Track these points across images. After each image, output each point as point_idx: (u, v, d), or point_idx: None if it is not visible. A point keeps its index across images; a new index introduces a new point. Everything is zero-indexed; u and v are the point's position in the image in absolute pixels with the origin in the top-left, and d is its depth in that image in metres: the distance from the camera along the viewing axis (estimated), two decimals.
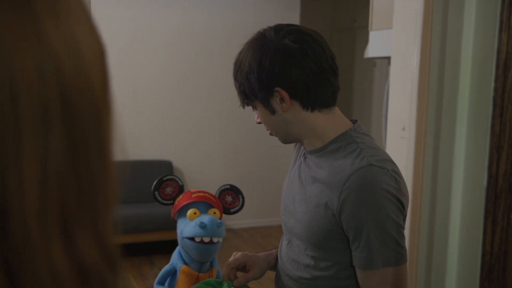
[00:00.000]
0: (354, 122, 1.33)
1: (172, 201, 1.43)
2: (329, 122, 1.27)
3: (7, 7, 0.34)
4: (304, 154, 1.37)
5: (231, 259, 1.40)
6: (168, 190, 1.42)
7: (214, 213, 1.39)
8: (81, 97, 0.37)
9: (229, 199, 1.48)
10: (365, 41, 3.70)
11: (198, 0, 5.26)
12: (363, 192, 1.16)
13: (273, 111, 1.26)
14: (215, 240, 1.35)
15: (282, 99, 1.23)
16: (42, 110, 0.35)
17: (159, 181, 1.42)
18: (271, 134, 1.35)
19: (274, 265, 1.47)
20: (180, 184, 1.44)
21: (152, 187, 1.40)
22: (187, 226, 1.37)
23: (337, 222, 1.20)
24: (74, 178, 0.37)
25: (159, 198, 1.42)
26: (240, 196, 1.50)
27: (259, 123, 1.33)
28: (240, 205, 1.50)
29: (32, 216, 0.35)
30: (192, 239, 1.36)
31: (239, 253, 1.43)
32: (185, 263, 1.39)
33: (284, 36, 1.22)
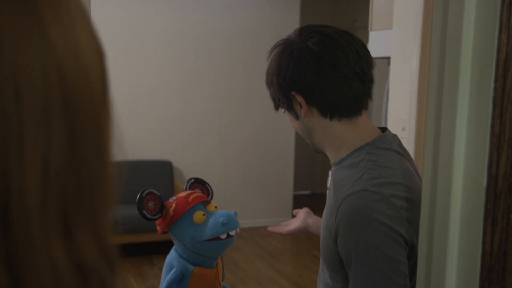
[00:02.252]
0: (383, 130, 1.23)
1: (159, 215, 1.41)
2: (347, 134, 1.19)
3: (12, 6, 0.35)
4: None
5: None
6: (151, 204, 1.38)
7: (216, 207, 1.40)
8: (81, 97, 0.38)
9: (198, 191, 1.49)
10: (365, 41, 3.70)
11: (198, 1, 5.26)
12: (351, 220, 1.07)
13: (296, 116, 1.21)
14: (232, 233, 1.37)
15: (300, 104, 1.18)
16: (45, 109, 0.35)
17: (140, 198, 1.36)
18: (307, 141, 1.28)
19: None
20: (158, 194, 1.41)
21: (137, 207, 1.35)
22: (201, 229, 1.36)
23: (336, 246, 1.12)
24: (74, 177, 0.38)
25: (149, 216, 1.39)
26: (207, 185, 1.51)
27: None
28: (211, 193, 1.51)
29: (34, 212, 0.35)
30: (213, 239, 1.36)
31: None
32: (195, 265, 1.38)
33: (307, 38, 1.16)
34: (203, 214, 1.36)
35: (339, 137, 1.19)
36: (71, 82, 0.37)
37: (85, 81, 0.38)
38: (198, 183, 1.51)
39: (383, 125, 3.15)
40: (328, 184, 1.37)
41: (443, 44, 0.82)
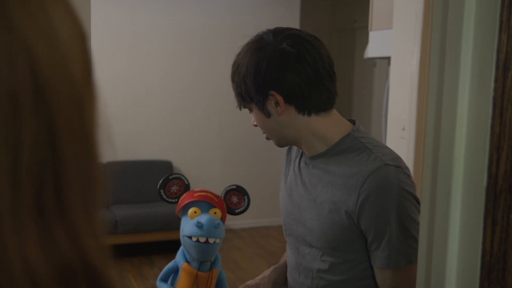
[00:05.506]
0: (352, 122, 1.31)
1: (176, 200, 1.45)
2: (328, 125, 1.26)
3: None
4: (301, 158, 1.34)
5: None
6: (174, 188, 1.44)
7: (215, 213, 1.39)
8: (57, 83, 0.35)
9: (235, 199, 1.47)
10: (365, 41, 3.70)
11: (198, 1, 5.26)
12: (383, 193, 1.15)
13: (268, 115, 1.24)
14: (211, 240, 1.34)
15: (277, 103, 1.21)
16: (12, 100, 0.32)
17: (165, 179, 1.45)
18: (267, 138, 1.33)
19: (283, 280, 1.45)
20: (186, 183, 1.46)
21: (158, 185, 1.44)
22: (187, 225, 1.38)
23: (355, 225, 1.19)
24: (53, 173, 0.34)
25: (164, 196, 1.44)
26: (245, 197, 1.49)
27: (255, 125, 1.31)
28: (245, 206, 1.48)
29: (4, 213, 0.32)
30: (190, 237, 1.36)
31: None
32: (186, 261, 1.39)
33: (282, 40, 1.20)
34: (195, 212, 1.37)
35: (321, 129, 1.25)
36: (43, 67, 0.34)
37: (61, 66, 0.35)
38: (237, 191, 1.48)
39: (383, 125, 3.15)
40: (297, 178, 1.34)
41: (443, 44, 0.82)
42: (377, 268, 1.20)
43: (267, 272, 1.45)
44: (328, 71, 1.23)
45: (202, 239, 1.33)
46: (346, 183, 1.19)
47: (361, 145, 1.22)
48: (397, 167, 1.17)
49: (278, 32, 1.23)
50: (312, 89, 1.21)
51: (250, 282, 1.43)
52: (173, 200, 1.44)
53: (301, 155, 1.35)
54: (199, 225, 1.33)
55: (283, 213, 1.39)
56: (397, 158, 1.21)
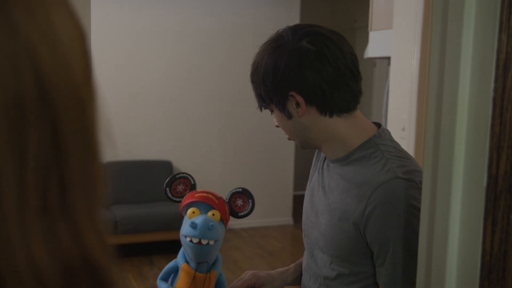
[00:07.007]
0: (378, 125, 1.25)
1: (181, 199, 1.46)
2: (350, 128, 1.19)
3: None
4: (325, 161, 1.29)
5: (239, 283, 1.38)
6: (180, 187, 1.45)
7: (213, 214, 1.39)
8: (61, 86, 0.35)
9: (240, 202, 1.47)
10: (365, 41, 3.70)
11: (198, 1, 5.26)
12: (389, 207, 1.10)
13: (289, 116, 1.18)
14: (203, 241, 1.34)
15: (297, 104, 1.16)
16: (18, 103, 0.33)
17: (172, 177, 1.45)
18: (289, 139, 1.28)
19: (291, 281, 1.43)
20: (192, 182, 1.46)
21: (165, 184, 1.45)
22: (184, 225, 1.38)
23: (362, 236, 1.14)
24: (56, 172, 0.35)
25: (169, 194, 1.45)
26: (250, 200, 1.48)
27: (278, 126, 1.26)
28: (248, 209, 1.48)
29: (10, 212, 0.33)
30: (187, 238, 1.37)
31: (248, 274, 1.39)
32: (186, 261, 1.40)
33: (301, 37, 1.15)
34: (193, 212, 1.37)
35: (342, 132, 1.19)
36: (47, 70, 0.34)
37: (63, 68, 0.35)
38: (243, 194, 1.48)
39: (383, 125, 3.16)
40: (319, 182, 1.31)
41: (443, 44, 0.82)
42: (380, 285, 1.16)
43: (290, 269, 1.45)
44: (351, 69, 1.16)
45: (195, 240, 1.33)
46: (357, 192, 1.14)
47: (379, 153, 1.16)
48: (410, 181, 1.10)
49: (297, 29, 1.17)
50: (333, 88, 1.14)
51: (265, 273, 1.42)
52: (178, 199, 1.45)
53: (326, 157, 1.30)
54: (193, 226, 1.33)
55: (303, 214, 1.36)
56: (413, 171, 1.13)
